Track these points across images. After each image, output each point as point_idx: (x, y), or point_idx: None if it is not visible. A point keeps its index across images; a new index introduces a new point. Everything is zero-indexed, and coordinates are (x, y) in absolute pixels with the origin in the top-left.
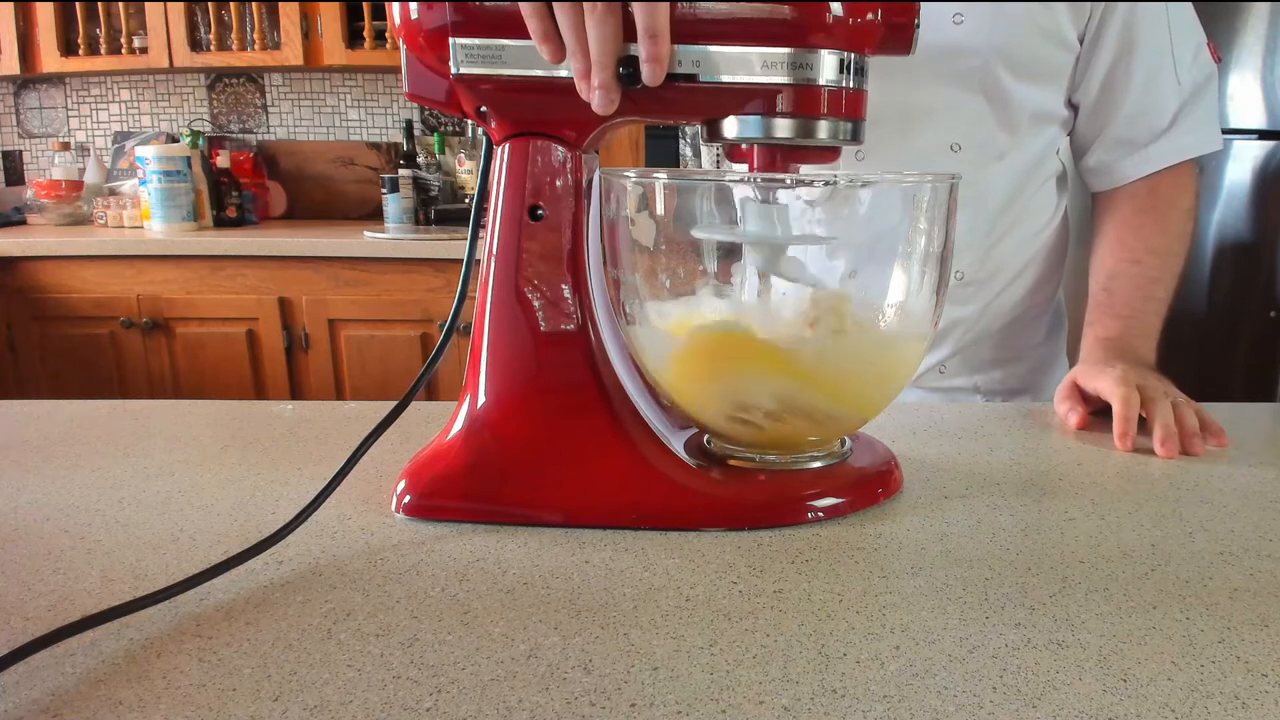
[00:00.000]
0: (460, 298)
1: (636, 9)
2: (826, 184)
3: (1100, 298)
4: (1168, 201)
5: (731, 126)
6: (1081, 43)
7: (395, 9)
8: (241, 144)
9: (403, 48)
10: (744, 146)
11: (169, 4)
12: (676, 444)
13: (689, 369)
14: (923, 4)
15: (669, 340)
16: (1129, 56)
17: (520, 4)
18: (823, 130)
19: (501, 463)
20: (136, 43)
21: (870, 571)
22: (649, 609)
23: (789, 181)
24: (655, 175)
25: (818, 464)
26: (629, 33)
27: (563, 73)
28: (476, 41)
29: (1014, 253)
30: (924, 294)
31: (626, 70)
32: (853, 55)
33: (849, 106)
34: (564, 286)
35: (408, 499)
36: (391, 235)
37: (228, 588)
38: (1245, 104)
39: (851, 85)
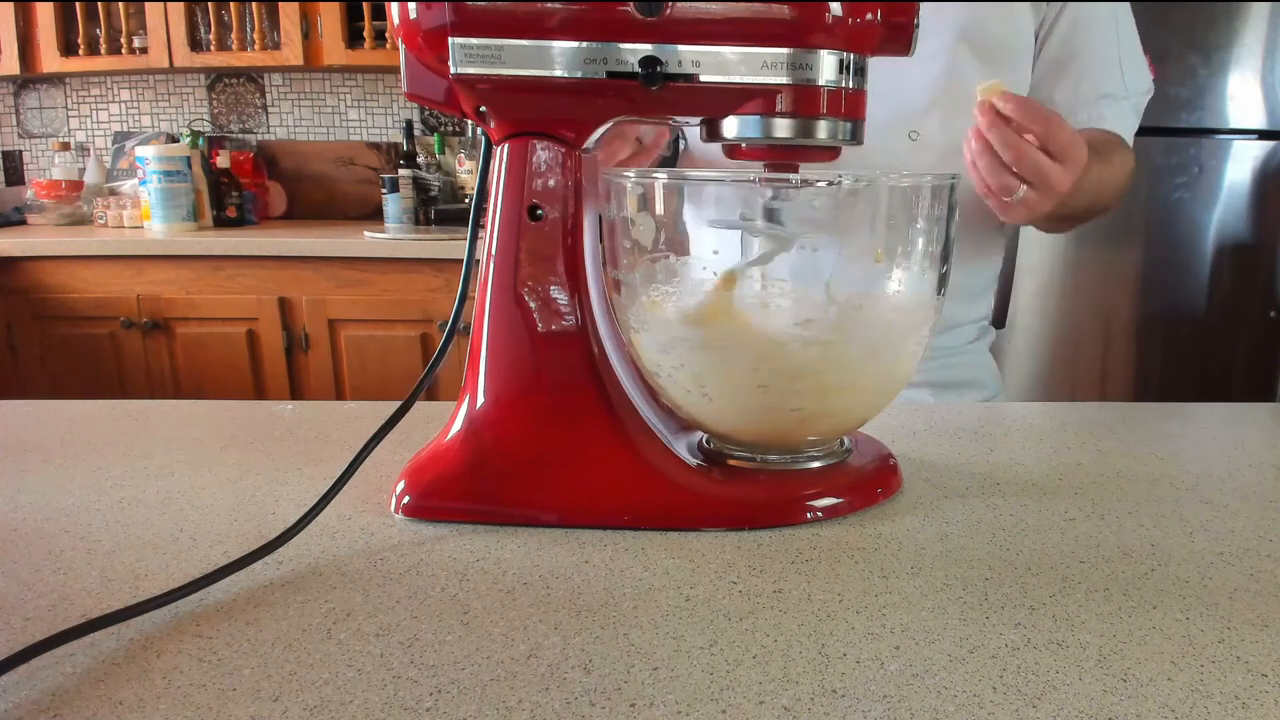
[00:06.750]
0: (460, 298)
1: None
2: (830, 184)
3: None
4: (1108, 156)
5: (731, 126)
6: (1037, 38)
7: (394, 9)
8: (241, 144)
9: (402, 47)
10: (743, 146)
11: (169, 4)
12: (676, 444)
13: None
14: None
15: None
16: (1077, 58)
17: None
18: (822, 130)
19: (501, 463)
20: (136, 43)
21: (870, 571)
22: (649, 609)
23: (793, 181)
24: (655, 175)
25: (817, 464)
26: (637, 34)
27: (561, 73)
28: (475, 41)
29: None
30: (924, 293)
31: (646, 70)
32: (852, 55)
33: (849, 106)
34: (563, 287)
35: (407, 500)
36: (391, 235)
37: (228, 588)
38: (1245, 104)
39: (851, 85)
